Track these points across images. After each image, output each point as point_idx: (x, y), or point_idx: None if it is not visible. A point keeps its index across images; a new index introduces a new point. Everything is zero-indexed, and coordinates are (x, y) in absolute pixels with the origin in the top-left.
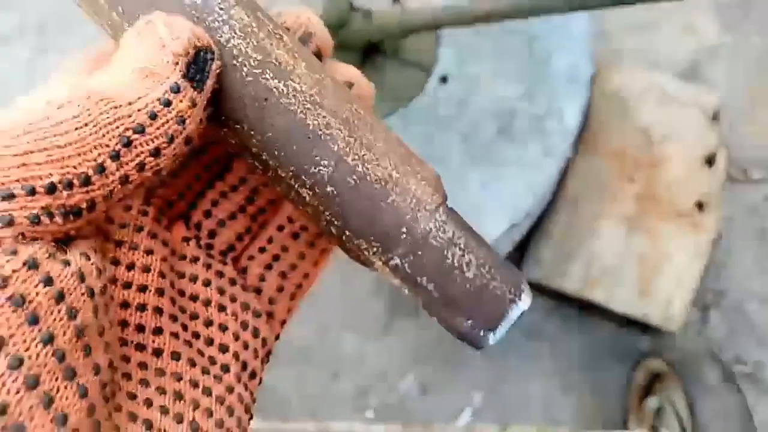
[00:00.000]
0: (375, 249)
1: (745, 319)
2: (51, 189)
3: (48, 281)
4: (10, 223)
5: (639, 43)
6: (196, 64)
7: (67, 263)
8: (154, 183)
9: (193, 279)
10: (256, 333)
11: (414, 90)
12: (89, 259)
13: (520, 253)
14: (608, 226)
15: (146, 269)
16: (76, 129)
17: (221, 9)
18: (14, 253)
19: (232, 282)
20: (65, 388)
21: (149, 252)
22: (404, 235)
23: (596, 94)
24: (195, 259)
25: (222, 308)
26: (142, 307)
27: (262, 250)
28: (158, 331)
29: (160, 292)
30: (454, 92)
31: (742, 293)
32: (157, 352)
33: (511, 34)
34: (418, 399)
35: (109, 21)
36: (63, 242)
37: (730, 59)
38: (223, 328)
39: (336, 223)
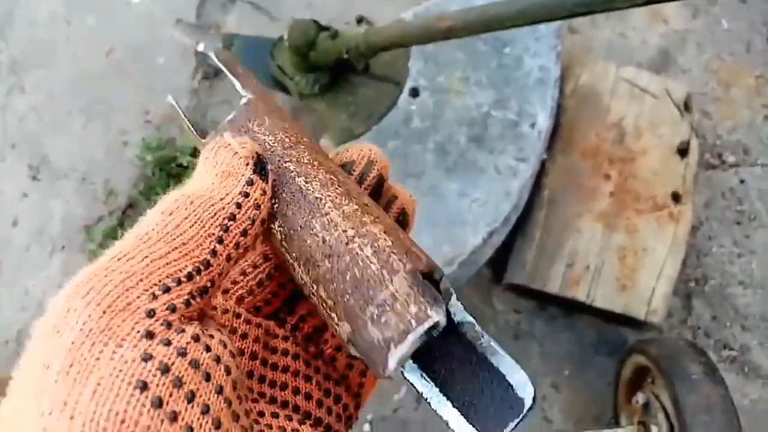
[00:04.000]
0: None
1: (729, 303)
2: (190, 277)
3: (207, 348)
4: (174, 309)
5: (608, 34)
6: (260, 163)
7: (211, 336)
8: (252, 288)
9: (285, 353)
10: (337, 399)
11: (387, 104)
12: (220, 331)
13: (502, 256)
14: (587, 224)
15: (241, 352)
16: (191, 227)
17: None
18: (183, 331)
19: (316, 357)
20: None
21: (245, 336)
22: None
23: (567, 91)
24: (285, 338)
25: (308, 378)
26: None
27: (333, 336)
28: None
29: (249, 374)
30: (426, 104)
31: (723, 278)
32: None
33: (481, 40)
34: (413, 410)
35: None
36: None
37: (700, 44)
38: (308, 396)
39: None
